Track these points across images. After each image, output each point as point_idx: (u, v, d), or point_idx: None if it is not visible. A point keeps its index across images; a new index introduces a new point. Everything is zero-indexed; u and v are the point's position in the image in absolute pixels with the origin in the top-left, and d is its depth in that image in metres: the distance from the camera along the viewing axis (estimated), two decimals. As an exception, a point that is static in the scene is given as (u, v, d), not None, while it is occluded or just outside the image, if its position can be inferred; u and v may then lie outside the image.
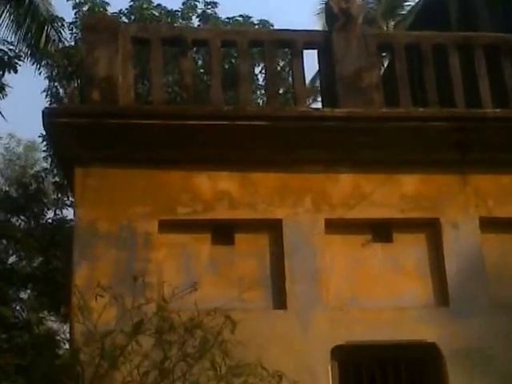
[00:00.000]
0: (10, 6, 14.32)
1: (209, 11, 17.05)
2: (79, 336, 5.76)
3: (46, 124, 6.50)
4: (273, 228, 6.84)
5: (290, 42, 7.81)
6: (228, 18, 17.13)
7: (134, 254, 6.44)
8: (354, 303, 6.73)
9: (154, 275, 6.40)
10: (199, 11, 17.01)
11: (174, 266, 6.60)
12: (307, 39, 7.91)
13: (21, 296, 16.15)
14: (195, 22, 17.04)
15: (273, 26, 16.84)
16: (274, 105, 7.39)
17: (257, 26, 17.08)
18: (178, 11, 16.89)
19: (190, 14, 16.88)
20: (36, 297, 15.61)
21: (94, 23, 7.32)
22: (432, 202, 7.19)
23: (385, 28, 22.62)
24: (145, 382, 5.24)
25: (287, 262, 6.66)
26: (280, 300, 6.57)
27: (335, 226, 6.92)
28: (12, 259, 16.43)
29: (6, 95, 15.06)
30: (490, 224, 7.18)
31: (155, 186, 6.72)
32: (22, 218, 16.32)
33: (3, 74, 13.90)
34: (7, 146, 22.36)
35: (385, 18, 23.19)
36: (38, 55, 15.10)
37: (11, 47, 13.98)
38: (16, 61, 13.58)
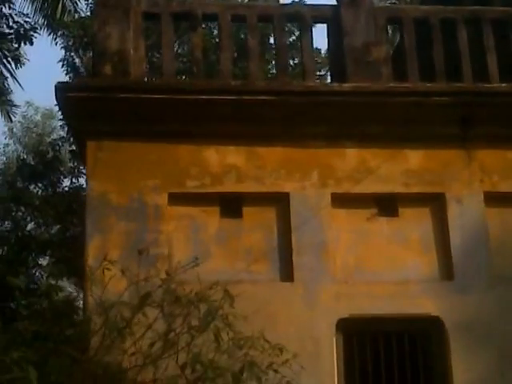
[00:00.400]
0: None
1: None
2: (91, 307, 5.81)
3: (59, 98, 6.51)
4: (280, 201, 6.84)
5: (299, 17, 7.72)
6: None
7: (144, 225, 6.48)
8: (359, 276, 6.75)
9: (164, 246, 6.45)
10: None
11: (183, 238, 6.64)
12: (316, 13, 7.82)
13: (40, 262, 16.29)
14: None
15: None
16: (283, 79, 7.32)
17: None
18: None
19: None
20: (54, 263, 15.78)
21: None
22: (437, 177, 7.16)
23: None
24: (149, 353, 5.28)
25: (294, 235, 6.68)
26: (287, 272, 6.61)
27: (341, 200, 6.91)
28: (30, 226, 16.61)
29: (24, 64, 15.19)
30: (494, 199, 7.15)
31: (165, 160, 6.73)
32: (40, 185, 16.44)
33: (19, 46, 13.92)
34: (25, 113, 22.43)
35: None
36: (54, 25, 15.11)
37: (27, 19, 13.96)
38: (32, 33, 13.54)
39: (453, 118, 7.19)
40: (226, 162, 6.83)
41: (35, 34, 13.73)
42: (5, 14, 13.55)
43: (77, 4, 15.38)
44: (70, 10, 15.16)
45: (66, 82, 6.71)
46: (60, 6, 14.96)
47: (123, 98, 6.54)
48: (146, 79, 7.17)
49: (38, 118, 23.26)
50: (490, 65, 7.80)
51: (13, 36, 13.36)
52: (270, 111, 6.85)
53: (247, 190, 6.81)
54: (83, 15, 15.57)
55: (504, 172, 7.28)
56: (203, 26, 8.69)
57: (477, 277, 6.82)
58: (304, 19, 7.68)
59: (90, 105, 6.51)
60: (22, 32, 13.32)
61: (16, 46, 13.87)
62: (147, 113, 6.67)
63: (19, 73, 15.15)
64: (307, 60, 7.53)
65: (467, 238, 7.01)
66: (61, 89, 6.46)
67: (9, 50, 14.28)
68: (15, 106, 17.15)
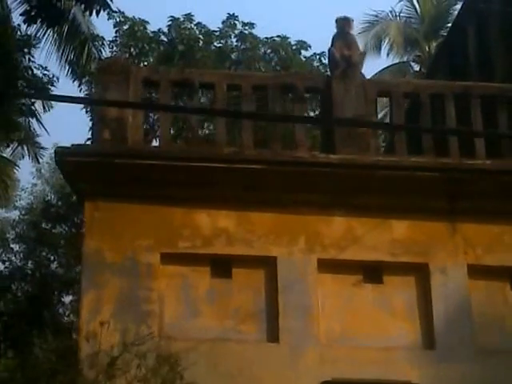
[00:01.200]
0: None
1: (246, 32, 18.72)
2: (84, 357, 6.92)
3: (58, 162, 7.76)
4: (268, 264, 8.02)
5: (293, 87, 9.06)
6: (266, 38, 18.79)
7: (137, 282, 7.64)
8: (343, 341, 7.87)
9: (156, 303, 7.59)
10: (236, 32, 18.69)
11: (174, 296, 7.79)
12: (309, 84, 9.19)
13: (63, 300, 18.22)
14: (233, 41, 18.78)
15: (310, 46, 18.63)
16: (275, 148, 8.58)
17: (294, 47, 18.76)
18: (215, 31, 18.55)
19: (230, 33, 18.48)
20: (77, 301, 17.47)
21: (107, 66, 8.61)
22: (422, 248, 8.36)
23: (426, 48, 23.94)
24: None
25: (281, 298, 7.84)
26: (273, 333, 7.74)
27: (327, 266, 8.09)
28: (53, 265, 18.63)
29: (52, 107, 17.86)
30: (478, 271, 8.33)
31: (158, 221, 7.93)
32: (63, 226, 18.49)
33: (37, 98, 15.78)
34: (52, 155, 23.80)
35: (427, 39, 24.35)
36: (79, 72, 16.91)
37: (46, 72, 15.83)
38: (49, 86, 15.38)
39: (438, 191, 8.42)
40: (217, 226, 8.04)
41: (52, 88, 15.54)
42: (24, 67, 15.21)
43: (101, 52, 17.24)
44: (94, 58, 16.93)
45: (65, 147, 7.91)
46: (85, 53, 16.74)
47: (119, 163, 7.78)
48: (142, 145, 8.39)
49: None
50: (477, 141, 9.09)
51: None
52: (260, 179, 8.09)
53: (237, 253, 7.99)
54: None
55: (488, 245, 8.48)
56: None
57: (458, 347, 7.93)
58: (297, 89, 9.02)
59: (88, 169, 7.75)
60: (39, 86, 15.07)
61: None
62: (142, 177, 7.88)
63: (48, 117, 17.06)
64: (299, 130, 8.81)
65: (450, 308, 8.17)
66: (60, 153, 7.74)
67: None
68: (42, 148, 19.30)
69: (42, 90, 14.92)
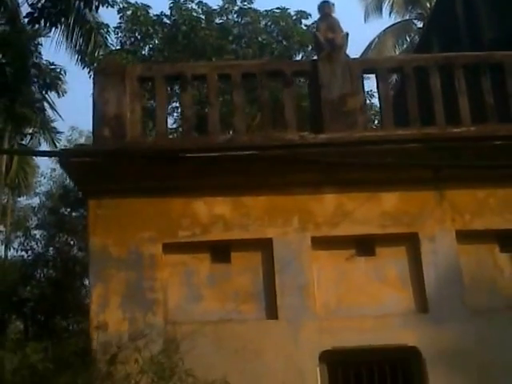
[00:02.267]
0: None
1: (245, 7, 19.06)
2: (97, 346, 7.42)
3: (62, 163, 8.18)
4: (264, 246, 8.41)
5: (280, 72, 9.34)
6: (266, 10, 19.15)
7: (141, 274, 8.11)
8: (340, 312, 8.29)
9: (160, 292, 8.05)
10: (236, 8, 19.03)
11: (177, 283, 8.25)
12: (296, 69, 9.49)
13: (84, 283, 18.63)
14: (234, 17, 19.12)
15: (310, 15, 18.93)
16: (266, 133, 8.92)
17: (294, 17, 19.05)
18: (214, 10, 18.90)
19: (230, 9, 18.82)
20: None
21: (104, 67, 8.97)
22: (411, 218, 8.68)
23: (428, 5, 23.83)
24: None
25: (278, 277, 8.25)
26: (272, 311, 8.18)
27: (321, 243, 8.48)
28: (74, 250, 19.23)
29: (66, 92, 18.77)
30: (466, 236, 8.64)
31: (158, 213, 8.35)
32: (82, 211, 18.82)
33: (46, 93, 16.49)
34: (70, 137, 24.49)
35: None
36: (87, 60, 17.49)
37: (53, 66, 16.39)
38: (57, 81, 16.06)
39: (424, 161, 8.70)
40: (213, 213, 8.44)
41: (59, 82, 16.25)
42: (33, 63, 15.81)
43: (107, 39, 17.77)
44: (100, 45, 17.45)
45: (67, 149, 8.35)
46: (92, 41, 17.26)
47: (119, 160, 8.19)
48: (141, 140, 8.77)
49: (83, 141, 25.28)
50: (462, 108, 9.33)
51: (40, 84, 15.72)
52: (252, 164, 8.45)
53: (234, 238, 8.40)
54: (113, 48, 17.94)
55: (475, 210, 8.78)
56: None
57: (450, 309, 8.31)
58: (285, 75, 9.30)
59: (90, 168, 8.17)
60: (48, 81, 15.70)
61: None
62: (141, 171, 8.28)
63: (63, 101, 18.09)
64: (288, 114, 9.11)
65: (440, 274, 8.52)
66: (63, 155, 8.15)
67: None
68: (59, 132, 20.06)
69: (51, 85, 15.45)
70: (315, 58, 9.93)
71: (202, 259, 8.39)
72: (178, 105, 16.50)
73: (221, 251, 8.43)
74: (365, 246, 8.65)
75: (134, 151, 8.33)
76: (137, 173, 8.32)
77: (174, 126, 17.63)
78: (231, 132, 10.02)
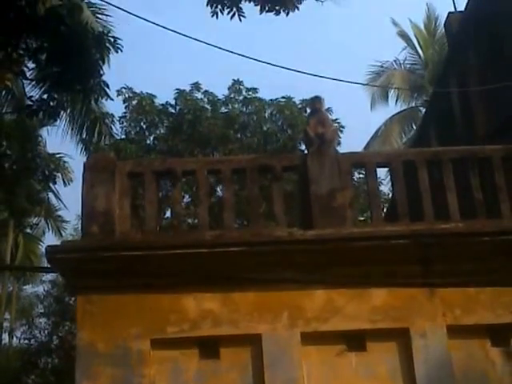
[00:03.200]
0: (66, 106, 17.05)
1: (250, 96, 19.51)
2: None
3: (49, 259, 8.30)
4: (254, 342, 8.41)
5: (270, 168, 9.52)
6: (271, 99, 19.58)
7: (129, 370, 8.11)
8: (330, 410, 8.21)
9: (148, 389, 8.02)
10: (241, 97, 19.50)
11: (165, 380, 8.22)
12: (286, 163, 9.65)
13: None
14: (239, 107, 19.56)
15: None
16: (255, 229, 9.03)
17: (299, 105, 19.47)
18: (220, 99, 19.35)
19: (235, 98, 19.27)
20: None
21: (94, 163, 9.16)
22: (401, 313, 8.68)
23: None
24: None
25: (267, 373, 8.23)
26: (260, 410, 8.11)
27: (311, 338, 8.46)
28: None
29: (72, 181, 19.29)
30: (457, 331, 8.61)
31: (147, 309, 8.40)
32: None
33: (46, 185, 16.88)
34: (76, 226, 24.75)
35: (432, 84, 24.70)
36: (91, 150, 17.94)
37: (58, 155, 16.82)
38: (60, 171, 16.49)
39: (412, 257, 8.76)
40: (202, 308, 8.48)
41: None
42: (35, 154, 16.31)
43: (111, 128, 18.25)
44: (105, 135, 17.90)
45: (54, 245, 8.48)
46: (96, 130, 17.72)
47: (107, 256, 8.31)
48: (129, 236, 8.90)
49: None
50: (450, 204, 9.42)
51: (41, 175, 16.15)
52: (241, 260, 8.53)
53: (223, 333, 8.41)
54: (117, 138, 18.38)
55: (466, 306, 8.77)
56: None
57: (441, 407, 8.21)
58: (274, 169, 9.47)
59: (78, 264, 8.28)
60: (46, 174, 16.16)
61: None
62: (129, 268, 8.38)
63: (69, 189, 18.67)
64: (277, 208, 9.24)
65: (432, 370, 8.45)
66: (50, 251, 8.29)
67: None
68: (64, 221, 20.39)
69: (49, 177, 15.84)
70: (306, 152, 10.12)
71: (190, 355, 8.39)
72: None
73: (210, 347, 8.44)
74: (355, 341, 8.62)
75: (124, 247, 8.43)
76: (125, 269, 8.41)
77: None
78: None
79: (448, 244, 8.76)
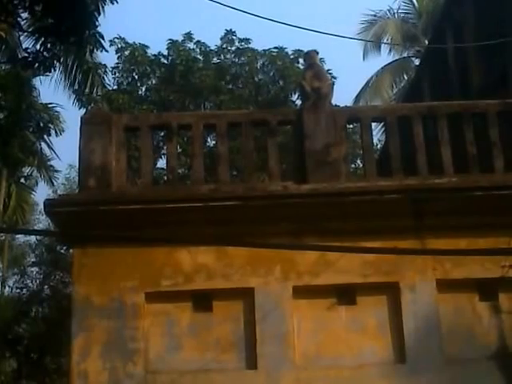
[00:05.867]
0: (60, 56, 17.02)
1: (242, 47, 19.41)
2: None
3: (47, 213, 8.37)
4: (246, 295, 8.56)
5: (265, 122, 9.54)
6: (264, 50, 19.46)
7: (123, 323, 8.25)
8: (318, 362, 8.41)
9: (141, 341, 8.19)
10: (234, 48, 19.38)
11: (158, 333, 8.39)
12: (281, 118, 9.68)
13: None
14: (231, 57, 19.47)
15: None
16: (250, 183, 9.10)
17: (292, 56, 19.39)
18: (212, 50, 19.23)
19: (228, 48, 19.15)
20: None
21: (91, 117, 9.19)
22: (392, 267, 8.81)
23: (426, 42, 24.22)
24: None
25: (258, 326, 8.39)
26: (251, 361, 8.31)
27: (303, 292, 8.61)
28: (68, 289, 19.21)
29: (63, 131, 19.38)
30: (447, 285, 8.78)
31: (142, 262, 8.51)
32: None
33: (39, 137, 16.87)
34: (67, 176, 24.83)
35: (425, 34, 24.63)
36: (84, 101, 17.90)
37: (51, 105, 16.76)
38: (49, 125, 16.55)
39: (404, 212, 8.86)
40: (196, 262, 8.60)
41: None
42: (29, 105, 16.30)
43: (104, 79, 18.15)
44: (97, 86, 17.82)
45: (52, 199, 8.55)
46: (89, 81, 17.63)
47: (104, 210, 8.39)
48: (126, 190, 8.96)
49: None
50: (445, 158, 9.49)
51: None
52: (235, 214, 8.62)
53: (216, 287, 8.55)
54: (110, 88, 18.29)
55: (456, 260, 8.89)
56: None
57: (427, 359, 8.42)
58: (270, 124, 9.50)
59: (75, 217, 8.36)
60: (41, 125, 16.18)
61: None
62: (126, 221, 8.46)
63: (62, 140, 18.18)
64: (272, 163, 9.30)
65: (420, 323, 8.63)
66: (48, 205, 8.35)
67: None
68: (56, 171, 20.55)
69: (43, 129, 15.82)
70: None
71: (183, 308, 8.53)
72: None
73: (203, 300, 8.58)
74: (346, 295, 8.78)
75: (121, 201, 8.49)
76: (121, 222, 8.49)
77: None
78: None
79: (441, 198, 8.85)
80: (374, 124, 10.21)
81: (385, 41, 24.69)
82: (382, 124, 12.80)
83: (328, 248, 8.06)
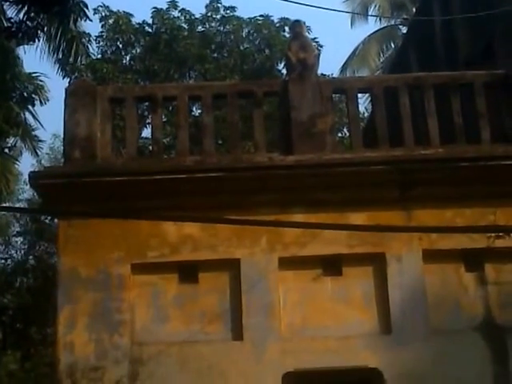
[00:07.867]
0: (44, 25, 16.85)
1: (228, 15, 19.26)
2: (63, 367, 7.60)
3: (32, 185, 8.35)
4: (232, 267, 8.61)
5: (251, 93, 9.52)
6: (249, 18, 19.31)
7: (109, 294, 8.28)
8: (304, 333, 8.49)
9: (127, 313, 8.23)
10: (219, 16, 19.23)
11: (144, 304, 8.44)
12: (266, 89, 9.66)
13: None
14: (216, 26, 19.31)
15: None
16: (235, 155, 9.10)
17: (277, 25, 19.24)
18: (196, 18, 19.07)
19: (213, 17, 18.99)
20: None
21: (75, 88, 9.13)
22: (378, 238, 8.83)
23: (413, 10, 24.09)
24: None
25: (244, 298, 8.44)
26: (237, 332, 8.38)
27: (288, 263, 8.66)
28: (53, 259, 19.20)
29: (48, 100, 19.00)
30: (433, 256, 8.83)
31: (128, 234, 8.52)
32: None
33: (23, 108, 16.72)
34: (52, 145, 24.69)
35: (413, 2, 24.45)
36: (68, 70, 17.78)
37: (34, 75, 16.63)
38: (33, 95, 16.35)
39: (390, 183, 8.90)
40: (182, 233, 8.62)
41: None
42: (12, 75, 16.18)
43: (88, 48, 17.99)
44: (81, 55, 17.69)
45: (37, 171, 8.54)
46: (73, 50, 17.49)
47: (89, 182, 8.38)
48: (111, 161, 8.94)
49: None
50: (431, 128, 9.51)
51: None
52: (220, 185, 8.64)
53: (202, 258, 8.58)
54: (94, 57, 18.14)
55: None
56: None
57: (412, 330, 8.51)
58: (255, 95, 9.48)
59: (60, 189, 8.35)
60: (25, 95, 16.02)
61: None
62: (111, 193, 8.47)
63: (46, 108, 19.27)
64: (258, 134, 9.30)
65: (405, 294, 8.71)
66: (33, 177, 8.34)
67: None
68: (41, 141, 20.51)
69: (28, 99, 15.70)
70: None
71: (169, 279, 8.57)
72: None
73: (189, 271, 8.62)
74: (332, 266, 8.84)
75: (106, 173, 8.48)
76: (107, 194, 8.49)
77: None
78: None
79: (427, 169, 8.88)
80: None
81: (372, 9, 24.58)
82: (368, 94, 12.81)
83: (311, 225, 8.05)
